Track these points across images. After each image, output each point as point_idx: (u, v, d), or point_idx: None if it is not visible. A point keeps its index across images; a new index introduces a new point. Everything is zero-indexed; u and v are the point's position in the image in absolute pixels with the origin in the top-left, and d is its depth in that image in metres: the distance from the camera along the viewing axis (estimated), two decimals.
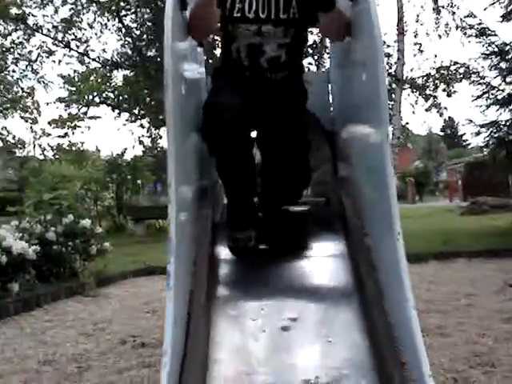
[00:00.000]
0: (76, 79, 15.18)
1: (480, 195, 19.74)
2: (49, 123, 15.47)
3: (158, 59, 12.27)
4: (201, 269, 2.04)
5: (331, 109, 2.98)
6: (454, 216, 13.81)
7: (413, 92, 13.80)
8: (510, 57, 8.23)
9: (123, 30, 14.66)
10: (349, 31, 2.15)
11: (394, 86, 11.91)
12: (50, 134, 15.98)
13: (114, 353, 3.51)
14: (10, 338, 3.91)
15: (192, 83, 2.36)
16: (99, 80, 15.03)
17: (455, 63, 12.85)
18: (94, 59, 15.18)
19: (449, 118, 39.89)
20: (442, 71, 13.41)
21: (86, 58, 15.14)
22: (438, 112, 14.21)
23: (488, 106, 8.49)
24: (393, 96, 11.88)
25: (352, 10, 2.21)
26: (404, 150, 32.83)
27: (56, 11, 14.50)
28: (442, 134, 50.78)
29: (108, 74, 15.24)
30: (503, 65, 8.23)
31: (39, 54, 14.65)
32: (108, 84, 15.20)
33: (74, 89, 15.08)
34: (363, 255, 2.20)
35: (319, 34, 11.36)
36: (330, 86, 2.95)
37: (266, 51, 2.19)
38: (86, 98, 15.19)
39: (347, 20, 2.13)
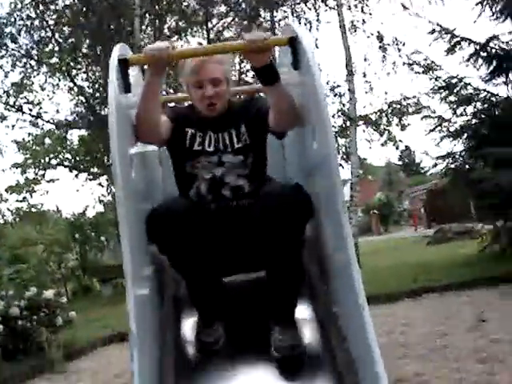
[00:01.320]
0: (31, 143, 15.00)
1: (444, 222, 20.05)
2: (6, 190, 15.18)
3: None
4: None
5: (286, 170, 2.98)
6: (420, 247, 13.93)
7: (367, 127, 14.05)
8: (457, 90, 8.45)
9: (75, 89, 14.63)
10: (298, 116, 2.17)
11: (348, 124, 12.14)
12: (7, 200, 15.64)
13: None
14: None
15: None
16: (54, 142, 14.88)
17: (406, 98, 13.17)
18: (47, 121, 15.06)
19: (405, 147, 40.68)
20: (393, 105, 13.70)
21: (39, 120, 15.01)
22: (393, 145, 14.47)
23: (442, 139, 8.67)
24: (348, 133, 12.09)
25: (298, 78, 2.24)
26: (366, 182, 33.32)
27: (6, 76, 14.40)
28: (400, 163, 51.67)
29: (63, 135, 15.12)
30: (452, 98, 8.44)
31: None
32: (64, 145, 15.06)
33: (29, 154, 14.88)
34: (331, 322, 2.18)
35: None
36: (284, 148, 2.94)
37: (227, 182, 2.21)
38: (43, 161, 15.00)
39: (294, 100, 2.15)
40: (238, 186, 2.22)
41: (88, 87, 14.46)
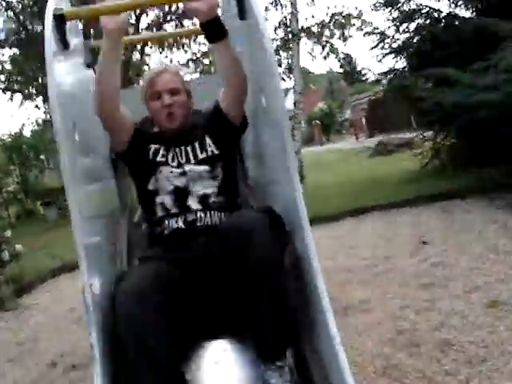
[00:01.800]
0: None
1: (384, 131, 20.44)
2: None
3: None
4: None
5: None
6: (362, 160, 14.21)
7: (309, 39, 13.86)
8: (400, 5, 8.36)
9: (2, 3, 13.69)
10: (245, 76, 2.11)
11: (290, 36, 11.91)
12: None
13: (45, 381, 3.42)
14: None
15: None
16: None
17: (348, 15, 12.97)
18: None
19: (346, 55, 40.42)
20: (336, 18, 13.49)
21: None
22: (336, 58, 14.41)
23: (384, 55, 8.65)
24: (291, 46, 11.90)
25: (242, 25, 2.18)
26: (308, 92, 33.16)
27: None
28: (341, 71, 51.56)
29: None
30: (395, 14, 8.36)
31: None
32: None
33: None
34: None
35: None
36: None
37: (192, 191, 2.08)
38: None
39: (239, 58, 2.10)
40: (205, 195, 2.08)
41: (17, 1, 13.54)
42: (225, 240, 1.80)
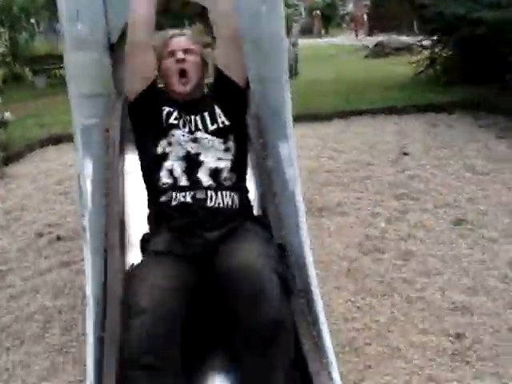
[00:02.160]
0: None
1: (385, 31, 19.97)
2: None
3: None
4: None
5: None
6: (359, 59, 14.04)
7: None
8: None
9: None
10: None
11: None
12: None
13: (32, 249, 3.62)
14: None
15: None
16: None
17: None
18: None
19: None
20: None
21: None
22: None
23: None
24: None
25: None
26: None
27: None
28: None
29: None
30: None
31: None
32: None
33: None
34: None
35: None
36: None
37: (204, 161, 1.93)
38: None
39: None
40: (217, 170, 1.92)
41: None
42: (234, 284, 1.60)
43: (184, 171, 1.91)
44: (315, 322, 1.83)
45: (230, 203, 1.88)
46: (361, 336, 2.44)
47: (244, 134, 2.13)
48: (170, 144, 1.95)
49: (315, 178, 4.68)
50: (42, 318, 2.75)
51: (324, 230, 3.57)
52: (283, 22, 1.97)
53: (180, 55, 2.03)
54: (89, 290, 1.71)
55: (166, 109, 2.01)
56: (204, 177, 1.90)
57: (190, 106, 2.03)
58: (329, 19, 29.96)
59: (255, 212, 2.12)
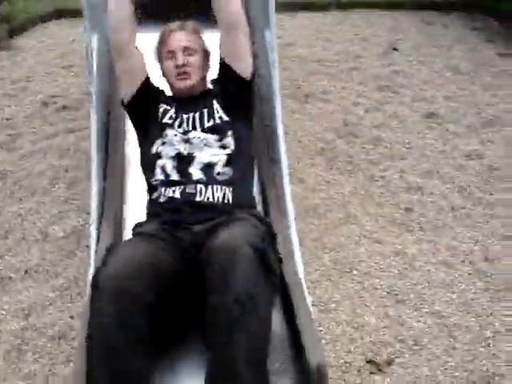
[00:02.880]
0: None
1: None
2: None
3: None
4: None
5: None
6: None
7: None
8: None
9: None
10: None
11: None
12: None
13: (39, 117, 3.95)
14: None
15: None
16: None
17: None
18: None
19: None
20: None
21: None
22: None
23: None
24: None
25: None
26: None
27: None
28: None
29: None
30: None
31: None
32: None
33: None
34: None
35: None
36: None
37: (196, 157, 1.85)
38: None
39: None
40: (210, 164, 1.84)
41: None
42: (209, 262, 1.49)
43: (175, 167, 1.84)
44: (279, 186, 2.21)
45: (220, 198, 1.78)
46: (324, 204, 2.85)
47: (248, 127, 1.99)
48: (163, 144, 1.90)
49: (305, 67, 4.92)
50: (50, 174, 3.14)
51: (306, 114, 3.89)
52: None
53: (180, 59, 1.93)
54: (93, 152, 2.07)
55: (163, 107, 1.97)
56: (195, 171, 1.83)
57: (189, 103, 1.96)
58: None
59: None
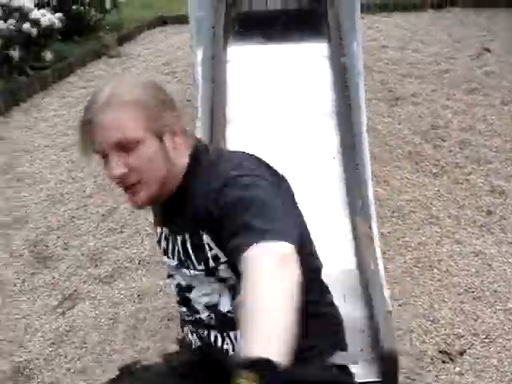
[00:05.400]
0: None
1: None
2: None
3: None
4: None
5: None
6: None
7: None
8: None
9: None
10: None
11: None
12: None
13: None
14: (55, 108, 4.70)
15: None
16: None
17: None
18: None
19: None
20: None
21: None
22: None
23: None
24: None
25: None
26: None
27: None
28: None
29: None
30: None
31: None
32: None
33: None
34: None
35: None
36: None
37: (194, 294, 1.29)
38: None
39: None
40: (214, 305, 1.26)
41: None
42: None
43: (181, 303, 1.35)
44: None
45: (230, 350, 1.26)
46: (408, 205, 3.01)
47: None
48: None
49: (397, 69, 5.05)
50: None
51: (395, 117, 4.03)
52: None
53: (116, 171, 1.15)
54: None
55: (157, 228, 1.38)
56: (200, 308, 1.29)
57: (166, 213, 1.31)
58: None
59: None
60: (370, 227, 2.29)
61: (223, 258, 1.18)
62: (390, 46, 5.68)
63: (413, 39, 5.95)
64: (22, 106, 4.72)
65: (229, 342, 1.26)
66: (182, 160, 1.22)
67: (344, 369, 1.29)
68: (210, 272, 1.23)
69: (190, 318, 1.33)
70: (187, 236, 1.23)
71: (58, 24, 5.43)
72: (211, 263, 1.20)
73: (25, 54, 5.09)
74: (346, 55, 2.96)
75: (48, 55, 5.32)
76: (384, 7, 7.12)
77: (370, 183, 2.37)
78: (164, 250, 1.33)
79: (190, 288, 1.30)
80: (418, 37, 6.04)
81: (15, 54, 4.98)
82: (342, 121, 2.76)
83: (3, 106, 4.59)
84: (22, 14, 5.28)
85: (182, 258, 1.26)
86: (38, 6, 5.74)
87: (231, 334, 1.25)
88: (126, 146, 1.13)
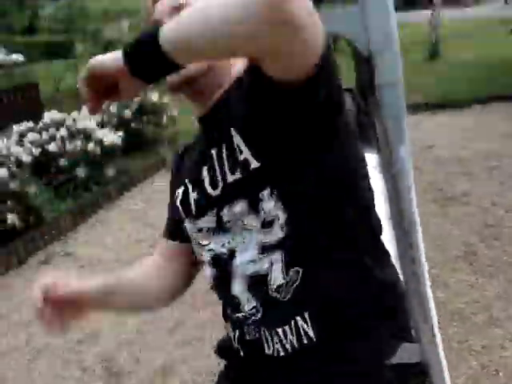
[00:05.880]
0: None
1: None
2: None
3: None
4: None
5: None
6: (504, 34, 13.62)
7: None
8: None
9: None
10: None
11: None
12: None
13: None
14: (119, 222, 4.98)
15: None
16: None
17: None
18: None
19: None
20: None
21: None
22: None
23: None
24: None
25: None
26: None
27: None
28: None
29: None
30: None
31: None
32: None
33: None
34: None
35: None
36: None
37: (235, 265, 1.04)
38: None
39: None
40: (261, 277, 1.01)
41: None
42: None
43: (217, 286, 1.11)
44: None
45: (295, 343, 1.00)
46: (468, 307, 3.02)
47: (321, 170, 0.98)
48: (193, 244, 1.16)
49: (445, 168, 5.16)
50: None
51: (446, 217, 4.09)
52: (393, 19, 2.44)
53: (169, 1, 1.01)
54: None
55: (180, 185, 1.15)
56: (243, 295, 1.04)
57: (210, 127, 1.09)
58: None
59: None
60: (433, 334, 2.31)
61: (255, 163, 0.95)
62: (437, 145, 5.84)
63: (458, 136, 6.10)
64: (88, 222, 5.03)
65: (277, 341, 1.01)
66: (234, 67, 1.06)
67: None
68: (252, 200, 0.97)
69: (227, 307, 1.11)
70: (224, 144, 1.01)
71: (119, 142, 5.84)
72: (244, 172, 0.97)
73: (89, 172, 5.47)
74: (394, 163, 3.07)
75: (111, 171, 5.68)
76: (427, 106, 7.35)
77: (428, 289, 2.41)
78: (195, 201, 1.09)
79: (232, 253, 1.04)
80: (463, 133, 6.19)
81: (81, 172, 5.36)
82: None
83: (71, 222, 4.89)
84: (86, 135, 5.73)
85: (219, 185, 1.02)
86: (102, 125, 6.23)
87: (279, 330, 1.01)
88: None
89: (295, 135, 0.93)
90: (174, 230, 1.22)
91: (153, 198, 5.38)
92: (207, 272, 1.11)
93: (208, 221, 1.06)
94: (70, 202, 5.13)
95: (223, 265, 1.05)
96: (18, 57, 10.75)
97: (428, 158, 5.41)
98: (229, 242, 1.03)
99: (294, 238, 0.97)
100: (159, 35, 0.79)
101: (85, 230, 4.90)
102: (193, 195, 1.09)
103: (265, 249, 0.99)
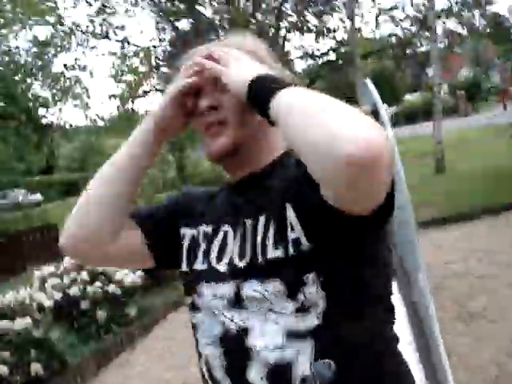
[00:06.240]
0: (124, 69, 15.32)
1: None
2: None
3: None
4: None
5: None
6: (503, 142, 13.85)
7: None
8: None
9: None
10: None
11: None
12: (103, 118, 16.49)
13: None
14: (144, 363, 4.93)
15: None
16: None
17: None
18: (134, 44, 15.12)
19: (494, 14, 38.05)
20: None
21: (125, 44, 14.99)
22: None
23: None
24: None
25: None
26: (451, 56, 32.15)
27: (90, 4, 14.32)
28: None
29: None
30: None
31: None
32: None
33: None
34: None
35: None
36: None
37: (255, 351, 0.94)
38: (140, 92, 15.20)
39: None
40: (289, 366, 0.92)
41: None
42: None
43: (222, 367, 0.99)
44: None
45: None
46: None
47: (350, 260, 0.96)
48: (196, 308, 1.08)
49: (464, 283, 5.14)
50: None
51: (472, 335, 4.04)
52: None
53: (205, 102, 1.03)
54: None
55: (188, 232, 1.12)
56: (259, 382, 0.94)
57: (238, 192, 1.07)
58: (474, 97, 29.87)
59: None
60: None
61: (306, 245, 0.91)
62: (452, 260, 5.84)
63: (473, 249, 6.11)
64: (112, 364, 4.99)
65: None
66: (275, 144, 1.07)
67: None
68: (291, 282, 0.91)
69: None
70: (264, 215, 0.97)
71: (139, 281, 5.91)
72: (291, 250, 0.92)
73: (110, 312, 5.49)
74: (413, 288, 3.09)
75: (132, 311, 5.71)
76: (437, 223, 7.36)
77: None
78: (204, 252, 1.05)
79: (244, 332, 0.93)
80: (478, 246, 6.21)
81: (102, 314, 5.38)
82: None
83: (95, 366, 4.86)
84: (107, 277, 5.81)
85: (247, 252, 0.97)
86: None
87: None
88: (223, 85, 0.99)
89: (353, 233, 0.93)
90: (149, 227, 1.16)
91: (175, 336, 5.36)
92: (205, 351, 1.02)
93: (224, 288, 0.99)
94: (92, 344, 5.11)
95: (233, 343, 0.96)
96: (36, 197, 11.15)
97: (446, 274, 5.39)
98: (242, 320, 0.95)
99: (332, 328, 0.91)
100: (278, 92, 0.89)
101: (110, 372, 4.85)
102: (203, 249, 1.07)
103: (292, 335, 0.91)
